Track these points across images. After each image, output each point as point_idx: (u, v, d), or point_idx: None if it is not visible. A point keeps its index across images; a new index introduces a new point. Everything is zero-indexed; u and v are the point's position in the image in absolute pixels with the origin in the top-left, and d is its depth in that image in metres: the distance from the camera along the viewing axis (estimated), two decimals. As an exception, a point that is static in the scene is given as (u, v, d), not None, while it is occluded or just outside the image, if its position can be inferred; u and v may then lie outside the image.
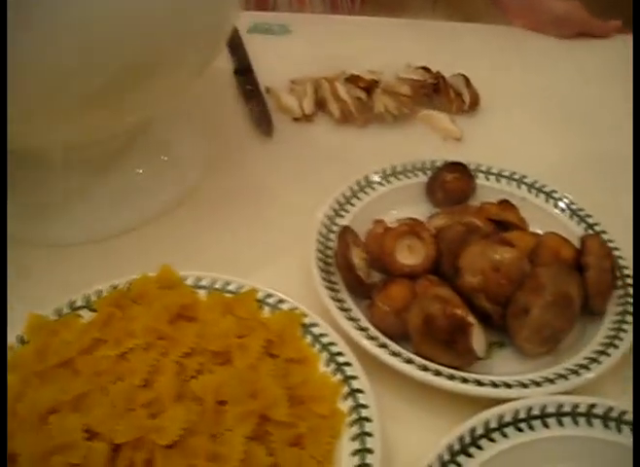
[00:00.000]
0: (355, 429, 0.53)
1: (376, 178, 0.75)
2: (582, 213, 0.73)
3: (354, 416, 0.54)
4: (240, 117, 0.91)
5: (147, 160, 0.77)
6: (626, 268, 0.67)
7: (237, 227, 0.75)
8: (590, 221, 0.72)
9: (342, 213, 0.71)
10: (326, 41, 1.08)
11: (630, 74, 1.02)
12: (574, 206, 0.73)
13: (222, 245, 0.72)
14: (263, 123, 0.88)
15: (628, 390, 0.60)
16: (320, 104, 0.92)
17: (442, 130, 0.89)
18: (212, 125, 0.88)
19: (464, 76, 0.94)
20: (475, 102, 0.93)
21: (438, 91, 0.93)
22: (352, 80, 0.91)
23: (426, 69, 0.95)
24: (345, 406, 0.54)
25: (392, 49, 1.05)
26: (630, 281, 0.66)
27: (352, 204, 0.72)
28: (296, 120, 0.90)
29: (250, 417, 0.51)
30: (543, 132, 0.92)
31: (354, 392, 0.55)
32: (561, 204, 0.74)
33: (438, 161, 0.77)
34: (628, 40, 1.12)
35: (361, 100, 0.89)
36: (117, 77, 0.57)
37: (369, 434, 0.52)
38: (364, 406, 0.54)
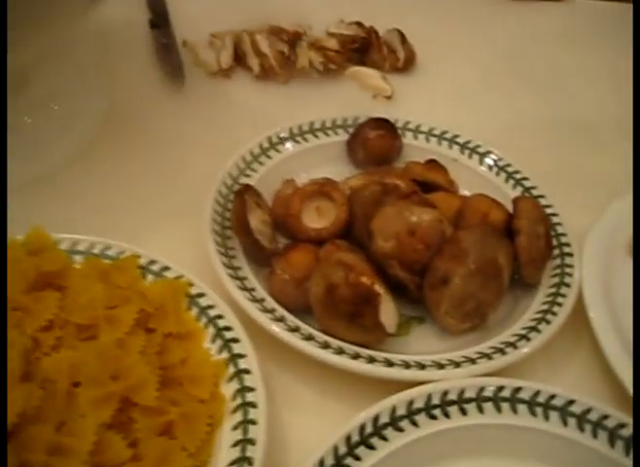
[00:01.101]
0: (238, 416, 0.45)
1: (290, 135, 0.67)
2: (518, 176, 0.65)
3: (238, 401, 0.46)
4: (152, 71, 0.81)
5: (36, 108, 0.68)
6: (564, 235, 0.60)
7: (132, 186, 0.66)
8: (527, 184, 0.64)
9: (249, 172, 0.63)
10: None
11: (580, 39, 0.97)
12: (510, 168, 0.66)
13: (112, 206, 0.64)
14: (173, 75, 0.78)
15: (561, 371, 0.53)
16: (240, 59, 0.83)
17: (372, 88, 0.81)
18: (119, 78, 0.79)
19: (399, 32, 0.86)
20: (410, 60, 0.85)
21: (370, 47, 0.85)
22: (275, 32, 0.82)
23: (359, 24, 0.87)
24: (229, 389, 0.46)
25: (325, 3, 0.96)
26: (569, 250, 0.59)
27: (261, 163, 0.64)
28: (212, 75, 0.81)
29: (109, 402, 0.43)
30: (482, 94, 0.84)
31: (240, 373, 0.47)
32: (495, 166, 0.66)
33: (361, 117, 0.69)
34: (580, 3, 1.05)
35: (284, 54, 0.80)
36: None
37: (253, 422, 0.44)
38: (250, 389, 0.46)
